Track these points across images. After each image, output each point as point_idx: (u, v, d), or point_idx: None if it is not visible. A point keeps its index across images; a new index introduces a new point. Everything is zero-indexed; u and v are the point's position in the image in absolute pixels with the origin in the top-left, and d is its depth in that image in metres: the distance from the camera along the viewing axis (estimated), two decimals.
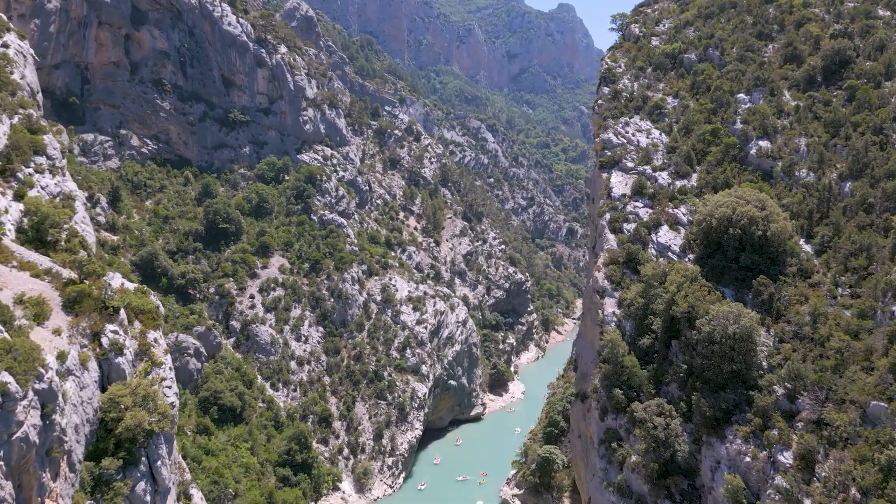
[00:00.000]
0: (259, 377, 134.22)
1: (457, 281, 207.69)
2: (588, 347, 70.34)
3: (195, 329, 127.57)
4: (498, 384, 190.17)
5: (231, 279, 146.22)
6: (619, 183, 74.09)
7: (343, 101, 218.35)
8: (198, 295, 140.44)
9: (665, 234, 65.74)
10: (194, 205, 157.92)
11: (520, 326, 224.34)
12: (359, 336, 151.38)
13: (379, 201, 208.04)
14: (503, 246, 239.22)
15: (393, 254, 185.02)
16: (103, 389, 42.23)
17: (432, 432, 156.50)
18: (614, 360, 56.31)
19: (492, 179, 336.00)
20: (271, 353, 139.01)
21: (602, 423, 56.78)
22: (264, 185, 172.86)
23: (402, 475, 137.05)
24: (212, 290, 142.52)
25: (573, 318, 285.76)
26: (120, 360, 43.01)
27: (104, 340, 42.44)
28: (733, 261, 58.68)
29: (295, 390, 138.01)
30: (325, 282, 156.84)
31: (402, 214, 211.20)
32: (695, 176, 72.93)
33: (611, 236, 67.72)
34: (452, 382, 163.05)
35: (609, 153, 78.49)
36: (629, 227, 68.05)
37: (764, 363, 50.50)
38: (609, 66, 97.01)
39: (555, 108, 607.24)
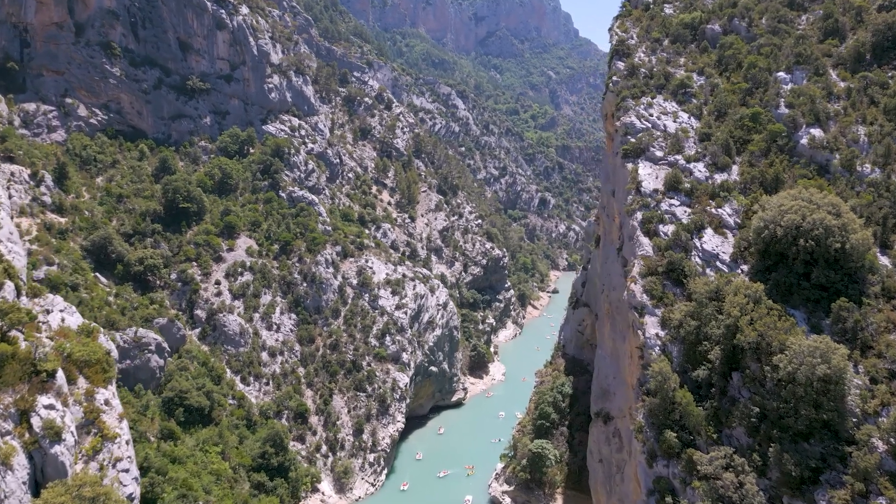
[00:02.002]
0: (228, 371, 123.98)
1: (433, 258, 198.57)
2: (609, 361, 62.32)
3: (156, 321, 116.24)
4: (478, 366, 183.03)
5: (194, 264, 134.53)
6: (649, 176, 65.08)
7: (310, 67, 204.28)
8: (158, 282, 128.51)
9: (710, 240, 57.19)
10: (151, 182, 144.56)
11: (497, 304, 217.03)
12: (334, 323, 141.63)
13: (350, 175, 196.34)
14: (479, 220, 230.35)
15: (367, 232, 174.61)
16: (36, 492, 32.18)
17: (413, 420, 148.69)
18: (663, 394, 48.15)
19: (463, 148, 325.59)
20: (241, 345, 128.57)
21: (651, 470, 48.61)
22: (227, 159, 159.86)
23: (385, 472, 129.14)
24: (173, 276, 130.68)
25: (548, 292, 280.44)
26: (57, 449, 32.92)
27: (35, 422, 32.31)
28: (802, 277, 50.45)
29: (267, 384, 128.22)
30: (297, 265, 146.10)
31: (374, 188, 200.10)
32: (735, 169, 64.30)
33: (644, 240, 58.98)
34: (434, 369, 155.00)
35: (633, 140, 69.23)
36: (665, 229, 59.31)
37: (856, 409, 42.73)
38: (620, 37, 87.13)
39: (523, 74, 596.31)
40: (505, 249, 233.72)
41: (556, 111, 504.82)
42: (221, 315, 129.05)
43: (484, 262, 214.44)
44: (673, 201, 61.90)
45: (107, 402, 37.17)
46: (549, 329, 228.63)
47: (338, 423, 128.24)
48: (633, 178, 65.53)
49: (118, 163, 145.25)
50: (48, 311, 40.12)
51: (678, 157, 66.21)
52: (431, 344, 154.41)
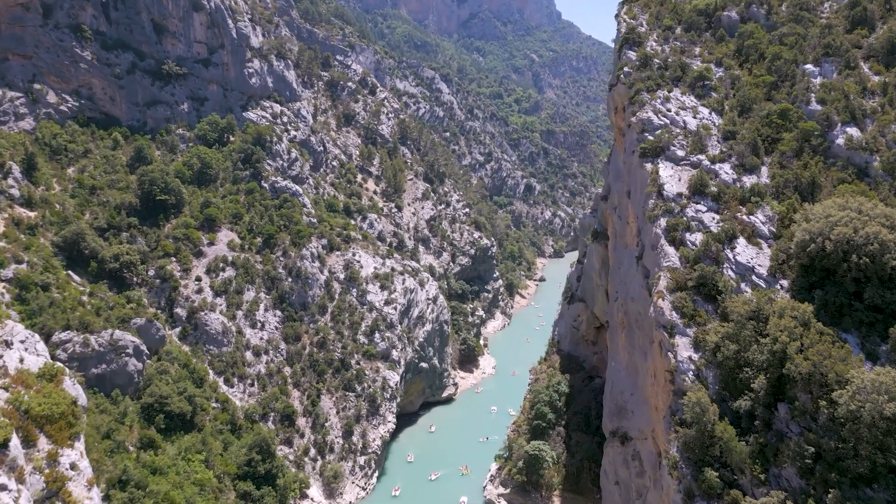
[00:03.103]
0: (211, 372, 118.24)
1: (421, 249, 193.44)
2: (624, 376, 57.96)
3: (133, 322, 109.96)
4: (468, 359, 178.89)
5: (173, 259, 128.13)
6: (671, 178, 60.30)
7: (291, 51, 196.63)
8: (135, 279, 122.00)
9: (744, 251, 52.59)
10: (126, 172, 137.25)
11: (486, 294, 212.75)
12: (321, 320, 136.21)
13: (335, 163, 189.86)
14: (467, 209, 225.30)
15: (353, 222, 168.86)
16: None
17: (403, 418, 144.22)
18: (701, 427, 43.78)
19: (448, 133, 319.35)
20: (223, 344, 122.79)
21: None
22: (207, 147, 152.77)
23: (376, 474, 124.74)
24: (151, 272, 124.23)
25: (535, 281, 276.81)
26: None
27: None
28: (853, 297, 46.12)
29: (252, 385, 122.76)
30: (282, 259, 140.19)
31: (360, 177, 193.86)
32: (765, 171, 59.71)
33: (670, 250, 54.32)
34: (424, 365, 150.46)
35: (651, 138, 64.36)
36: (693, 238, 54.60)
37: None
38: (630, 24, 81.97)
39: (506, 56, 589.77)
40: (493, 239, 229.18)
41: (539, 95, 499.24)
42: (203, 313, 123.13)
43: (472, 251, 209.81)
44: (699, 207, 57.18)
45: (73, 466, 31.65)
46: (538, 319, 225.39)
47: (326, 424, 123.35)
48: (653, 180, 60.69)
49: (91, 152, 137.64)
50: (7, 344, 34.54)
51: (701, 156, 61.49)
52: (422, 340, 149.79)
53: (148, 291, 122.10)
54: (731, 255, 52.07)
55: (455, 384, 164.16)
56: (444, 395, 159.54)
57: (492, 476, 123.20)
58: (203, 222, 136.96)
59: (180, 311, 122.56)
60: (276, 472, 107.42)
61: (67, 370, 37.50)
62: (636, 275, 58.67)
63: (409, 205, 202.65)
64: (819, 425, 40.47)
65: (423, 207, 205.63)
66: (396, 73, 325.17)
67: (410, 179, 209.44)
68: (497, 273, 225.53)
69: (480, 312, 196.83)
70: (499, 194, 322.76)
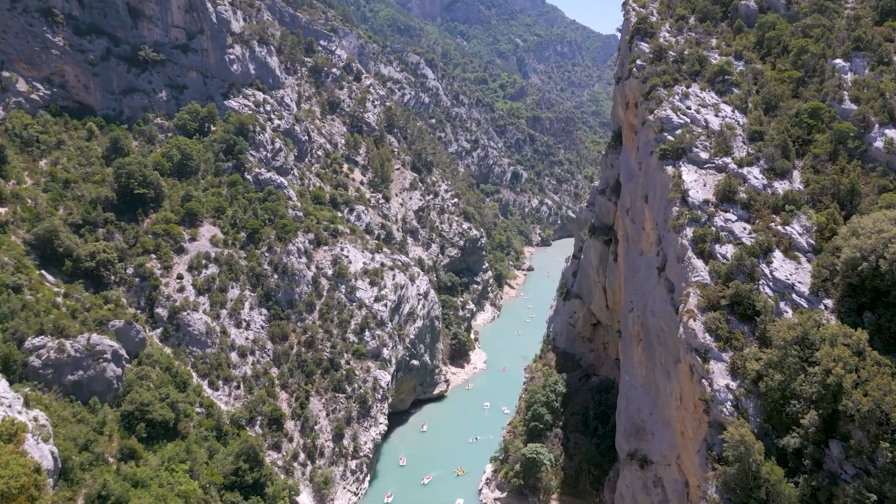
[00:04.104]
0: (194, 375, 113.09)
1: (409, 240, 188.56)
2: (641, 393, 54.08)
3: (111, 324, 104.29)
4: (459, 354, 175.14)
5: (153, 256, 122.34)
6: (696, 183, 56.00)
7: (273, 36, 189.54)
8: (113, 279, 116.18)
9: (782, 266, 48.46)
10: (102, 164, 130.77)
11: (475, 286, 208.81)
12: (309, 318, 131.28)
13: (320, 152, 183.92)
14: (456, 199, 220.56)
15: (340, 215, 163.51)
16: None
17: (394, 417, 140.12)
18: (744, 466, 39.91)
19: (434, 120, 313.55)
20: (207, 345, 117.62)
21: None
22: (187, 138, 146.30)
23: (367, 478, 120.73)
24: (130, 271, 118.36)
25: (523, 270, 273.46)
26: None
27: None
28: None
29: (238, 387, 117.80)
30: (267, 254, 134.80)
31: (345, 167, 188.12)
32: (797, 175, 55.61)
33: (698, 263, 50.13)
34: (415, 362, 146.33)
35: (671, 138, 60.00)
36: (723, 250, 50.41)
37: None
38: (640, 13, 77.25)
39: (490, 41, 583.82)
40: (482, 230, 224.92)
41: (524, 80, 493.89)
42: (185, 313, 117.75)
43: (461, 243, 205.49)
44: (729, 215, 52.92)
45: None
46: (528, 311, 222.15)
47: (316, 427, 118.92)
48: (676, 184, 56.31)
49: (64, 143, 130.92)
50: None
51: (727, 159, 57.23)
52: (413, 337, 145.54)
53: (127, 291, 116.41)
54: (767, 271, 47.92)
55: (447, 381, 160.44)
56: (436, 392, 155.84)
57: (487, 479, 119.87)
58: (184, 217, 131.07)
59: (161, 312, 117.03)
60: (264, 480, 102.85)
61: (30, 425, 32.49)
62: (658, 287, 54.63)
63: (396, 195, 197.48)
64: (878, 468, 36.87)
65: (411, 198, 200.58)
66: (381, 58, 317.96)
67: (398, 169, 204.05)
68: (486, 264, 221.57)
69: (471, 306, 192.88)
70: (485, 182, 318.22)
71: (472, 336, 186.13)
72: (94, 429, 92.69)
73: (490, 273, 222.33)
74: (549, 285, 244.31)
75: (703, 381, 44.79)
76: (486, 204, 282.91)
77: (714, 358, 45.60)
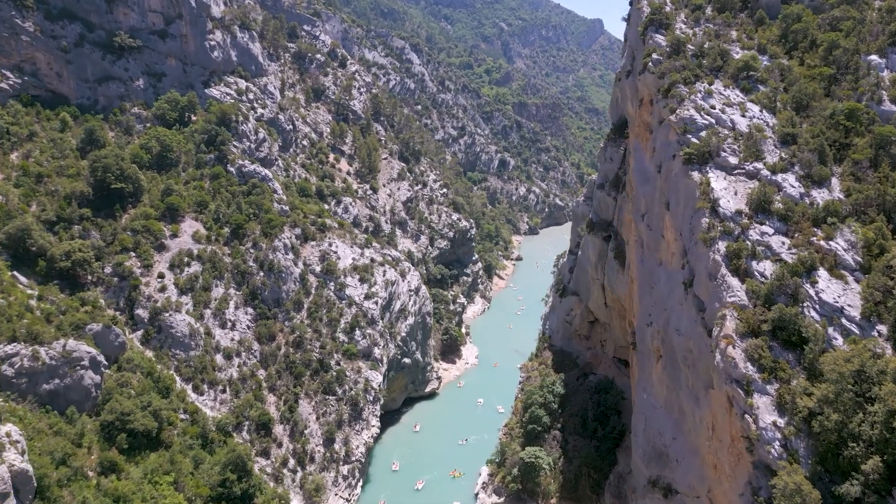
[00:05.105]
0: (178, 380, 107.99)
1: (398, 232, 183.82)
2: (662, 414, 50.20)
3: (89, 328, 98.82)
4: (450, 350, 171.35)
5: (132, 254, 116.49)
6: (726, 191, 51.54)
7: (255, 21, 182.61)
8: (90, 278, 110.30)
9: (829, 287, 44.14)
10: (76, 157, 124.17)
11: (465, 278, 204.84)
12: (297, 317, 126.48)
13: (305, 142, 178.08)
14: (445, 189, 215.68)
15: (327, 207, 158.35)
16: None
17: (385, 416, 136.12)
18: None
19: (419, 107, 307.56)
20: (191, 348, 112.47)
21: None
22: (166, 128, 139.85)
23: (360, 484, 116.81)
24: (108, 270, 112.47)
25: (512, 260, 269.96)
26: None
27: None
28: None
29: (224, 391, 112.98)
30: (252, 251, 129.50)
31: (332, 156, 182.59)
32: (835, 183, 51.52)
33: (734, 282, 45.79)
34: (407, 360, 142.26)
35: (696, 140, 55.59)
36: (761, 267, 46.06)
37: None
38: (653, 2, 72.57)
39: (474, 25, 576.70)
40: (472, 220, 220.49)
41: (509, 65, 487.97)
42: (167, 314, 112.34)
43: (451, 234, 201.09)
44: (765, 228, 48.43)
45: None
46: (518, 304, 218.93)
47: (306, 432, 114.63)
48: (704, 193, 51.77)
49: (36, 135, 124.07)
50: None
51: (758, 164, 52.78)
52: (404, 334, 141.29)
53: (105, 291, 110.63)
54: (812, 292, 43.81)
55: (438, 378, 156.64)
56: (428, 389, 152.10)
57: (484, 483, 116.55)
58: (164, 212, 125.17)
59: (142, 313, 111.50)
60: (253, 491, 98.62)
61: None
62: (685, 305, 50.53)
63: (384, 186, 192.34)
64: None
65: (399, 188, 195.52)
66: (365, 42, 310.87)
67: (385, 159, 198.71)
68: (476, 255, 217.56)
69: (462, 300, 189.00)
70: (472, 170, 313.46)
71: (464, 330, 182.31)
72: (72, 441, 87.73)
73: (480, 264, 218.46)
74: (539, 276, 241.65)
75: (747, 416, 40.72)
76: (474, 193, 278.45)
77: (757, 391, 41.31)
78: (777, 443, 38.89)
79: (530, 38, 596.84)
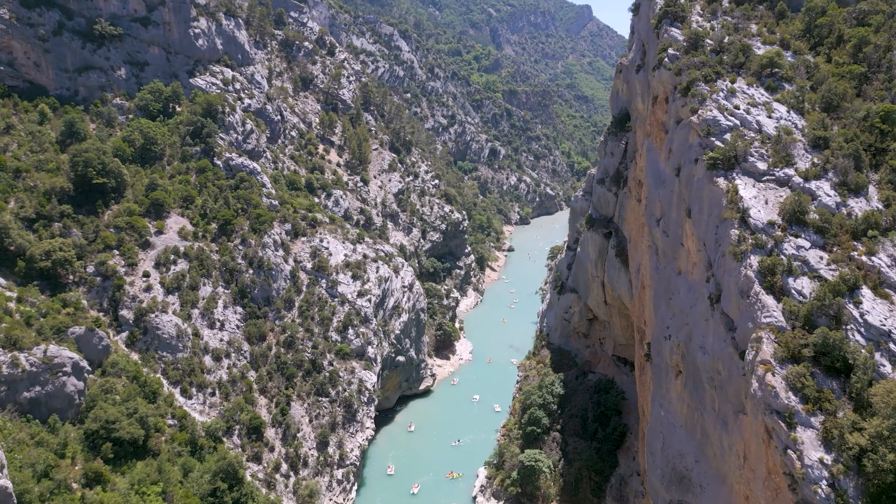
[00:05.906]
0: (165, 383, 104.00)
1: (389, 225, 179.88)
2: (683, 435, 47.17)
3: (71, 331, 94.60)
4: (444, 345, 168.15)
5: (116, 253, 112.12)
6: (756, 200, 47.83)
7: (241, 7, 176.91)
8: (71, 278, 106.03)
9: (874, 308, 40.53)
10: (56, 151, 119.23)
11: (458, 271, 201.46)
12: (288, 316, 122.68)
13: (293, 132, 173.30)
14: (436, 181, 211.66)
15: (317, 200, 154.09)
16: None
17: (379, 415, 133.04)
18: None
19: (409, 95, 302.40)
20: (178, 349, 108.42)
21: None
22: (150, 120, 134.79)
23: (355, 488, 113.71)
24: (90, 269, 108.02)
25: (503, 251, 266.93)
26: None
27: None
28: None
29: (213, 394, 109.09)
30: (240, 247, 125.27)
31: (321, 147, 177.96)
32: (873, 191, 48.12)
33: (769, 301, 42.19)
34: (401, 358, 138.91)
35: (720, 144, 52.01)
36: (798, 285, 42.48)
37: None
38: None
39: (462, 10, 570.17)
40: (464, 212, 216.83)
41: (498, 52, 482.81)
42: (153, 315, 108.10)
43: (443, 226, 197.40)
44: (800, 241, 44.68)
45: None
46: (511, 297, 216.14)
47: (298, 435, 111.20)
48: (732, 201, 48.03)
49: (14, 128, 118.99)
50: None
51: (789, 171, 49.10)
52: (398, 332, 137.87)
53: (87, 292, 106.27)
54: (856, 314, 40.51)
55: (433, 375, 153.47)
56: (422, 387, 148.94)
57: (482, 486, 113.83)
58: (149, 208, 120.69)
59: (126, 314, 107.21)
60: (245, 499, 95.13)
61: None
62: (711, 322, 47.16)
63: (375, 177, 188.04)
64: None
65: (390, 180, 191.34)
66: (353, 29, 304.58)
67: (376, 149, 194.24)
68: (468, 248, 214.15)
69: (455, 294, 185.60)
70: (463, 159, 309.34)
71: (457, 325, 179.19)
72: (55, 451, 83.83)
73: (472, 257, 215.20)
74: (531, 267, 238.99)
75: (790, 452, 37.32)
76: (465, 183, 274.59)
77: (801, 423, 37.54)
78: (824, 482, 35.68)
79: (519, 24, 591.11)
